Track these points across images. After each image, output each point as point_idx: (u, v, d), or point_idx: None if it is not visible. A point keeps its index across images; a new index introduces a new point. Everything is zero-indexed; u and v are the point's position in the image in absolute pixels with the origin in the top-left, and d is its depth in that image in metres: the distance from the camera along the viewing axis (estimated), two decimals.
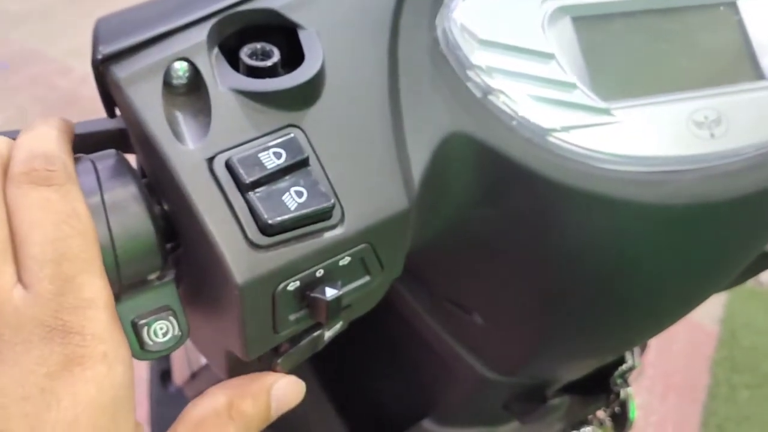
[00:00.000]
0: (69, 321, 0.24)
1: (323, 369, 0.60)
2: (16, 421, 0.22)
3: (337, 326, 0.32)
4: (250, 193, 0.26)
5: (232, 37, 0.30)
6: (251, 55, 0.29)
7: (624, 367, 0.55)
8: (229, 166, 0.26)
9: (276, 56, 0.29)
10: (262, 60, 0.29)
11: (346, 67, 0.30)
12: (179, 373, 0.61)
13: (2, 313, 0.24)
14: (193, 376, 0.57)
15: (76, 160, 0.28)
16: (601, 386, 0.55)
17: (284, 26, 0.30)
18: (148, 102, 0.26)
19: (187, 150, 0.26)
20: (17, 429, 0.22)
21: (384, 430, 0.58)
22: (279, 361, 0.30)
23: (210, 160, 0.26)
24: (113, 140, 0.31)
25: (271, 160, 0.26)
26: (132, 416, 0.26)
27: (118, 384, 0.25)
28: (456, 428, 0.54)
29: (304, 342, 0.30)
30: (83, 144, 0.30)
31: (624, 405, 0.57)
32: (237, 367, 0.31)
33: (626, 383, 0.56)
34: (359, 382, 0.61)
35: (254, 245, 0.26)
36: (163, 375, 0.76)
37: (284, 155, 0.27)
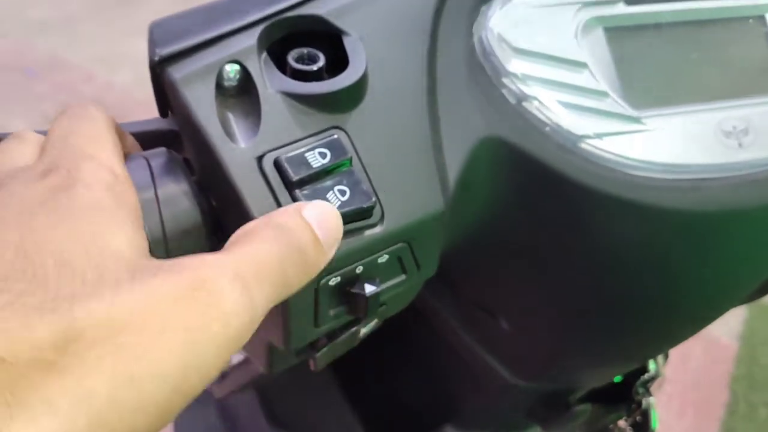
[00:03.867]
0: (61, 164, 0.24)
1: (343, 371, 0.61)
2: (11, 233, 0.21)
3: (372, 323, 0.33)
4: (296, 190, 0.27)
5: (280, 42, 0.31)
6: (298, 59, 0.30)
7: (646, 376, 0.55)
8: (277, 165, 0.27)
9: (321, 61, 0.30)
10: (309, 64, 0.30)
11: (387, 72, 0.31)
12: None
13: (7, 168, 0.25)
14: (223, 376, 0.58)
15: (130, 158, 0.29)
16: (623, 395, 0.55)
17: (329, 32, 0.31)
18: (202, 102, 0.28)
19: (238, 148, 0.27)
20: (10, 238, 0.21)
21: None
22: (317, 355, 0.31)
23: (259, 159, 0.28)
24: (163, 139, 0.32)
25: (316, 160, 0.27)
26: (127, 227, 0.24)
27: (99, 199, 0.24)
28: None
29: (341, 337, 0.31)
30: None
31: (646, 414, 0.57)
32: (278, 361, 0.32)
33: (648, 392, 0.56)
34: (380, 385, 0.62)
35: None
36: None
37: (329, 155, 0.28)
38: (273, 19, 0.30)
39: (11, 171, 0.25)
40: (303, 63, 0.30)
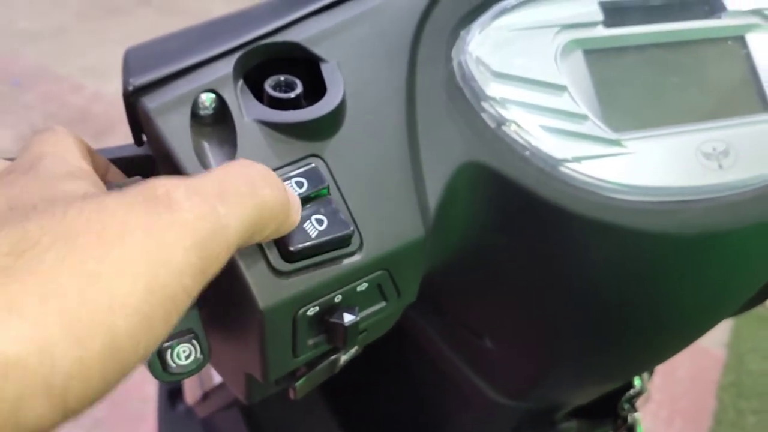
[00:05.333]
0: (25, 159, 0.25)
1: (330, 389, 0.60)
2: None
3: (353, 350, 0.32)
4: None
5: (257, 68, 0.31)
6: (275, 87, 0.30)
7: (632, 392, 0.55)
8: None
9: (299, 88, 0.30)
10: (286, 92, 0.30)
11: (365, 98, 0.31)
12: (190, 393, 0.61)
13: None
14: (205, 396, 0.58)
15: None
16: (608, 411, 0.55)
17: (307, 58, 0.31)
18: (176, 132, 0.27)
19: None
20: None
21: None
22: (297, 384, 0.31)
23: None
24: (139, 166, 0.32)
25: (293, 190, 0.27)
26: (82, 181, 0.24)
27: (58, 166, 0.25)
28: None
29: (321, 366, 0.31)
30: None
31: (632, 430, 0.57)
32: (256, 390, 0.31)
33: (634, 408, 0.56)
34: (366, 403, 0.62)
35: (277, 271, 0.27)
36: (171, 394, 0.77)
37: (306, 184, 0.28)
38: (249, 47, 0.30)
39: None
40: (280, 90, 0.30)
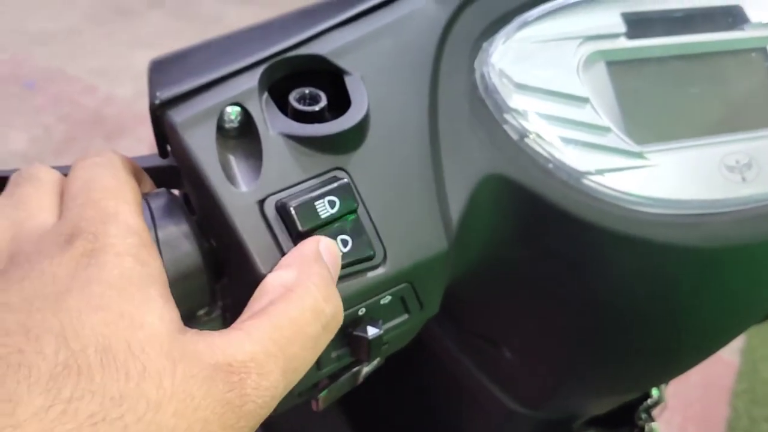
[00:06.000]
0: (85, 227, 0.24)
1: (347, 399, 0.60)
2: (40, 322, 0.21)
3: (375, 362, 0.32)
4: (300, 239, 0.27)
5: (280, 81, 0.31)
6: (299, 100, 0.30)
7: (649, 401, 0.55)
8: (282, 210, 0.27)
9: (323, 101, 0.30)
10: (310, 104, 0.30)
11: (389, 111, 0.31)
12: None
13: (29, 231, 0.25)
14: None
15: None
16: (625, 420, 0.55)
17: (330, 71, 0.31)
18: (202, 146, 0.27)
19: (239, 192, 0.27)
20: (43, 326, 0.21)
21: None
22: (320, 396, 0.31)
23: (261, 202, 0.27)
24: (163, 175, 0.32)
25: (325, 210, 0.27)
26: (158, 300, 0.24)
27: (129, 267, 0.24)
28: None
29: (343, 378, 0.31)
30: None
31: None
32: (279, 403, 0.31)
33: (651, 418, 0.56)
34: (381, 411, 0.62)
35: None
36: None
37: (338, 204, 0.28)
38: (274, 60, 0.30)
39: (34, 237, 0.25)
40: (304, 103, 0.30)
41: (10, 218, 0.26)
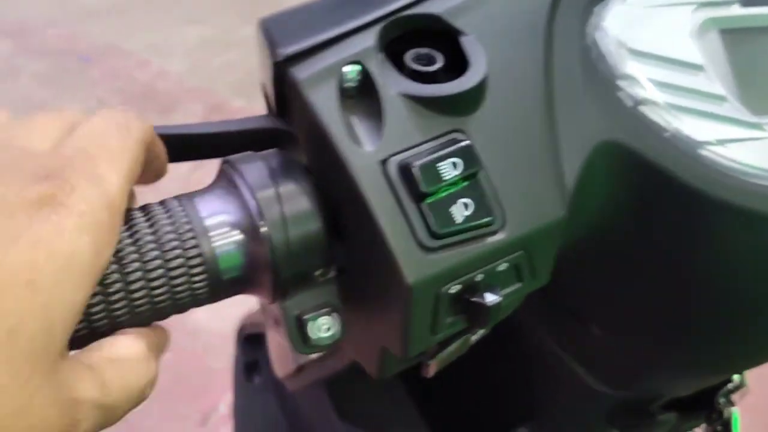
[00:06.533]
0: (68, 175, 0.24)
1: (410, 377, 0.60)
2: None
3: (482, 331, 0.32)
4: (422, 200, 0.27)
5: (394, 41, 0.30)
6: (416, 60, 0.29)
7: (730, 386, 0.54)
8: (404, 171, 0.27)
9: (440, 62, 0.29)
10: (426, 65, 0.29)
11: (505, 73, 0.30)
12: (281, 365, 0.62)
13: (14, 145, 0.25)
14: (299, 369, 0.58)
15: (246, 159, 0.29)
16: (704, 404, 0.54)
17: (445, 31, 0.30)
18: (326, 104, 0.27)
19: (363, 152, 0.27)
20: None
21: None
22: (430, 362, 0.30)
23: (383, 162, 0.27)
24: (270, 138, 0.32)
25: (448, 171, 0.27)
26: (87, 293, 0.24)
27: (81, 248, 0.23)
28: None
29: (454, 344, 0.30)
30: (239, 141, 0.31)
31: (727, 425, 0.56)
32: (388, 365, 0.31)
33: (730, 402, 0.55)
34: (449, 387, 0.61)
35: (423, 247, 0.27)
36: (248, 367, 0.77)
37: (461, 166, 0.27)
38: (390, 18, 0.30)
39: (14, 152, 0.25)
40: (421, 64, 0.29)
41: (10, 128, 0.26)
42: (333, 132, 0.27)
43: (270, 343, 0.64)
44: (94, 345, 0.26)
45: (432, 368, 0.31)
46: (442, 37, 0.31)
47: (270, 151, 0.30)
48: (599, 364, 0.46)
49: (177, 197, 0.29)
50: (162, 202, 0.28)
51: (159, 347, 0.28)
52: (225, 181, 0.29)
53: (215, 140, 0.32)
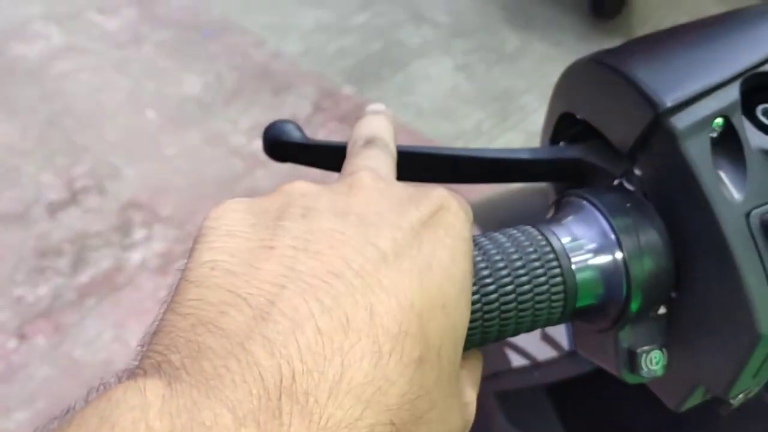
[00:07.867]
0: (437, 200, 0.27)
1: (561, 402, 0.61)
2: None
3: None
4: None
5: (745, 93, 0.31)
6: (765, 114, 0.31)
7: None
8: (766, 225, 0.28)
9: None
10: None
11: None
12: None
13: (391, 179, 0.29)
14: (495, 374, 0.60)
15: (596, 191, 0.31)
16: None
17: None
18: (700, 154, 0.29)
19: (730, 203, 0.28)
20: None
21: None
22: (734, 401, 0.32)
23: (746, 214, 0.28)
24: (565, 168, 0.34)
25: None
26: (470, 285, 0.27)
27: (466, 270, 0.26)
28: None
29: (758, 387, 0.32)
30: (542, 169, 0.34)
31: None
32: (693, 400, 0.33)
33: None
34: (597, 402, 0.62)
35: None
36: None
37: None
38: (750, 72, 0.31)
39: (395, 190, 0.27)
40: None
41: (370, 167, 0.29)
42: (704, 181, 0.28)
43: None
44: None
45: (733, 404, 0.32)
46: None
47: (613, 185, 0.31)
48: None
49: (518, 227, 0.30)
50: (516, 228, 0.30)
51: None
52: (574, 209, 0.31)
53: (522, 165, 0.34)
